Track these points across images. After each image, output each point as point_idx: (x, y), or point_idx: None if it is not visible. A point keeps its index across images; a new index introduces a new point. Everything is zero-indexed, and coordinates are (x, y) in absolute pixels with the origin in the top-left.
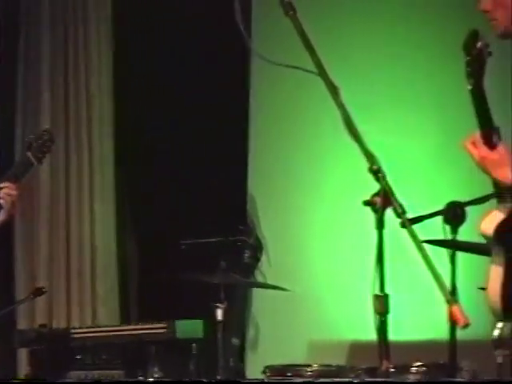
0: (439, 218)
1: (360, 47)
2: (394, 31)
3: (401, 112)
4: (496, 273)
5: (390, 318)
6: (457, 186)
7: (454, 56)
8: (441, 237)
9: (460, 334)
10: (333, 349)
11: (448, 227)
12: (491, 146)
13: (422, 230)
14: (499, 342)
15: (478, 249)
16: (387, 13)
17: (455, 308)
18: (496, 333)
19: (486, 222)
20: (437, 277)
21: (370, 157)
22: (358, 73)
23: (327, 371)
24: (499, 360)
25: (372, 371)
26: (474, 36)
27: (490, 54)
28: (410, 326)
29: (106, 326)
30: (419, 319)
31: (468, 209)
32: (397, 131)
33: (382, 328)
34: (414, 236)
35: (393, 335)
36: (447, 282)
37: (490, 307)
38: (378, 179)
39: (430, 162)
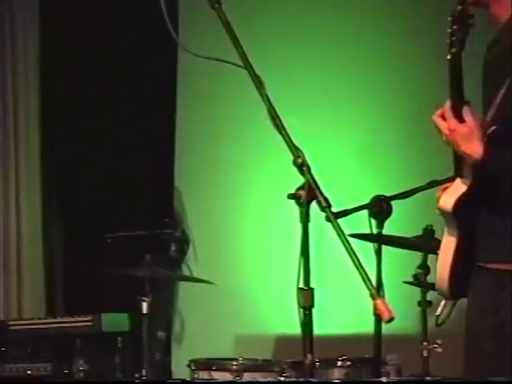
0: (365, 212)
1: (286, 44)
2: (320, 29)
3: (326, 106)
4: (448, 248)
5: (316, 311)
6: (383, 180)
7: (378, 54)
8: (366, 231)
9: (385, 327)
10: (259, 343)
11: (374, 221)
12: (461, 119)
13: (348, 224)
14: (440, 320)
15: (404, 243)
16: (313, 10)
17: (379, 302)
18: (439, 309)
19: (446, 195)
20: (361, 271)
21: (294, 150)
22: (284, 66)
23: (252, 365)
24: (424, 354)
25: (297, 365)
26: (462, 5)
27: (472, 25)
28: (335, 319)
29: (32, 319)
30: (345, 313)
31: (393, 203)
32: (322, 125)
33: (306, 322)
34: (338, 230)
35: (318, 329)
36: (373, 276)
37: (437, 281)
38: (302, 172)
39: (355, 155)
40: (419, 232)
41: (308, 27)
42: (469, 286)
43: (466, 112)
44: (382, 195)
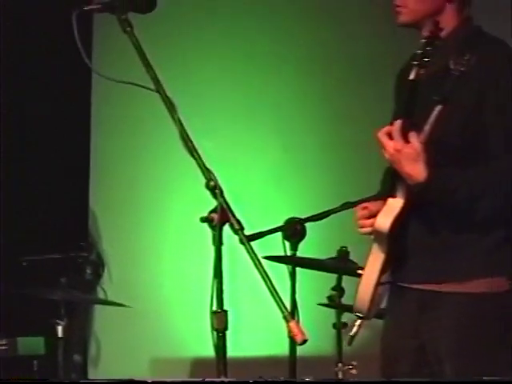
0: (279, 234)
1: (198, 67)
2: (230, 46)
3: (239, 128)
4: (374, 267)
5: (230, 333)
6: (296, 202)
7: (292, 72)
8: (281, 253)
9: (300, 349)
10: (175, 365)
11: (288, 243)
12: (406, 139)
13: (263, 246)
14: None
15: (318, 265)
16: (221, 27)
17: (292, 324)
18: (354, 329)
19: (382, 215)
20: (274, 293)
21: (206, 173)
22: (196, 89)
23: None
24: (339, 375)
25: None
26: (436, 28)
27: (436, 47)
28: (250, 341)
29: None
30: (260, 335)
31: (307, 225)
32: (236, 147)
33: (219, 344)
34: (251, 252)
35: (232, 351)
36: (287, 298)
37: (357, 300)
38: (214, 195)
39: (269, 177)
40: (333, 254)
41: (221, 51)
42: (388, 307)
43: (413, 134)
44: (296, 217)
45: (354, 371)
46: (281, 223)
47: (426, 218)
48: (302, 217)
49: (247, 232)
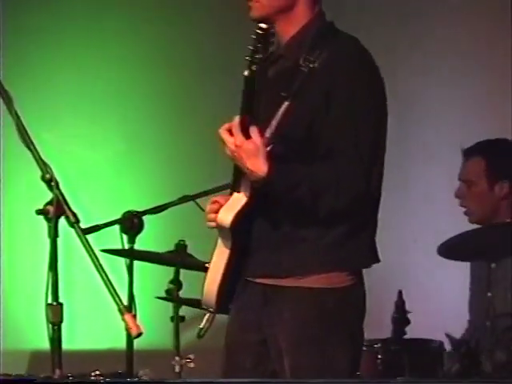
0: (117, 227)
1: (38, 54)
2: (73, 37)
3: (80, 120)
4: (220, 261)
5: (65, 326)
6: (138, 195)
7: (137, 64)
8: (118, 246)
9: (138, 342)
10: (13, 358)
11: (125, 236)
12: (247, 135)
13: (100, 239)
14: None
15: (156, 258)
16: (63, 18)
17: (127, 317)
18: (203, 323)
19: (224, 209)
20: (109, 286)
21: (42, 165)
22: (37, 80)
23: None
24: (177, 369)
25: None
26: (267, 24)
27: (273, 43)
28: (87, 334)
29: None
30: (97, 328)
31: (145, 218)
32: (75, 139)
33: (55, 337)
34: (87, 245)
35: (68, 344)
36: (125, 292)
37: (205, 294)
38: (50, 188)
39: (108, 170)
40: (171, 247)
41: (64, 42)
42: (234, 300)
43: (253, 129)
44: (134, 210)
45: (191, 365)
46: (118, 216)
47: (271, 213)
48: (140, 210)
49: (85, 225)
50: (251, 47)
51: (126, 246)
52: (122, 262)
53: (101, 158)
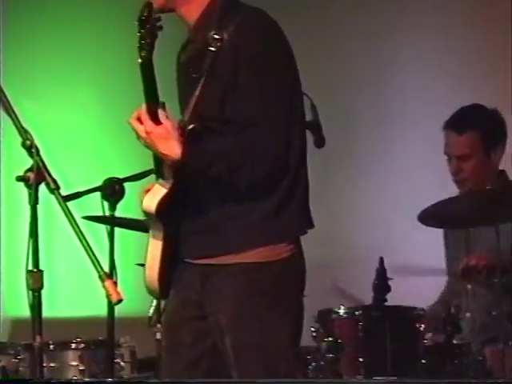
0: (98, 194)
1: (23, 23)
2: (59, 7)
3: (59, 87)
4: (155, 248)
5: (46, 293)
6: (119, 161)
7: (114, 35)
8: (100, 213)
9: (119, 310)
10: None
11: (106, 203)
12: (157, 121)
13: (81, 206)
14: (153, 320)
15: (137, 225)
16: None
17: (108, 284)
18: (151, 310)
19: (148, 197)
20: (90, 253)
21: (23, 132)
22: (16, 47)
23: None
24: (158, 336)
25: (30, 347)
26: (148, 9)
27: (160, 28)
28: (67, 302)
29: None
30: (77, 295)
31: (126, 185)
32: (55, 106)
33: (35, 304)
34: (67, 212)
35: (49, 311)
36: (106, 259)
37: (147, 283)
38: (30, 154)
39: (88, 137)
40: None
41: (41, 3)
42: (173, 282)
43: (162, 114)
44: (115, 177)
45: (158, 335)
46: (99, 183)
47: (200, 195)
48: (121, 177)
49: (65, 192)
50: (138, 33)
51: (107, 213)
52: (103, 229)
53: (80, 124)
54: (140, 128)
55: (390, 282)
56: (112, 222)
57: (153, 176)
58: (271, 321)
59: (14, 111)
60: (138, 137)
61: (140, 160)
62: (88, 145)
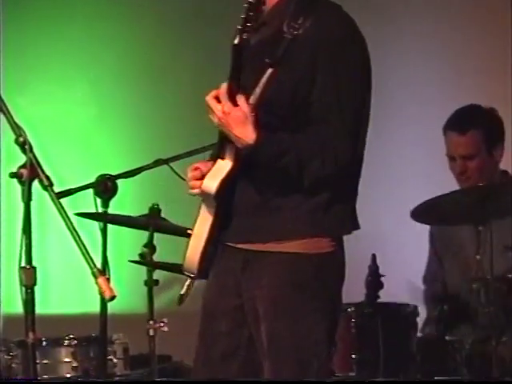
0: (90, 191)
1: (16, 20)
2: (52, 3)
3: (53, 84)
4: (203, 227)
5: (39, 290)
6: (112, 158)
7: (111, 25)
8: (92, 210)
9: (111, 306)
10: None
11: (99, 200)
12: (235, 103)
13: (74, 203)
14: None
15: (130, 222)
16: None
17: (101, 280)
18: (184, 289)
19: (208, 178)
20: (83, 249)
21: (16, 128)
22: (10, 43)
23: None
24: (151, 333)
25: (22, 344)
26: None
27: (264, 11)
28: (60, 298)
29: None
30: (70, 292)
31: (119, 181)
32: (48, 103)
33: (28, 300)
34: (60, 208)
35: (42, 308)
36: (99, 255)
37: (187, 261)
38: (24, 151)
39: (81, 134)
40: (145, 211)
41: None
42: (213, 265)
43: (240, 97)
44: (107, 174)
45: (165, 328)
46: (92, 180)
47: (254, 179)
48: (114, 173)
49: (59, 189)
50: (243, 15)
51: (100, 210)
52: (95, 225)
53: (73, 121)
54: (218, 107)
55: (382, 279)
56: (105, 218)
57: (143, 174)
58: (307, 314)
59: (6, 107)
60: (213, 115)
61: (133, 157)
62: (81, 142)
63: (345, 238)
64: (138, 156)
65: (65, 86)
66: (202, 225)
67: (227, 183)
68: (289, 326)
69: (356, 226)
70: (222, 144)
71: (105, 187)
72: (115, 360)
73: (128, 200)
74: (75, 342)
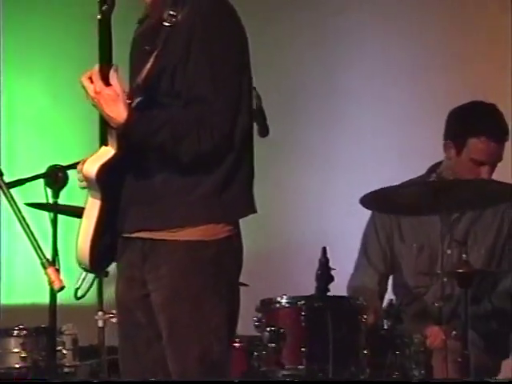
0: (41, 181)
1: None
2: None
3: (7, 75)
4: (91, 218)
5: None
6: (60, 149)
7: (67, 16)
8: (43, 200)
9: (61, 297)
10: None
11: (50, 190)
12: (107, 82)
13: (25, 193)
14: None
15: (80, 212)
16: None
17: (50, 271)
18: (79, 282)
19: (89, 162)
20: (32, 239)
21: None
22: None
23: None
24: (100, 324)
25: None
26: None
27: None
28: (10, 289)
29: None
30: (19, 282)
31: (70, 172)
32: (2, 94)
33: None
34: (10, 198)
35: None
36: (49, 246)
37: (78, 254)
38: None
39: (33, 124)
40: None
41: None
42: (115, 258)
43: (113, 76)
44: (58, 165)
45: (114, 320)
46: (43, 170)
47: (143, 166)
48: (64, 164)
49: (7, 179)
50: None
51: (51, 200)
52: (46, 216)
53: (26, 111)
54: (90, 87)
55: (333, 272)
56: (55, 209)
57: None
58: (205, 299)
59: None
60: (87, 96)
61: (84, 148)
62: (32, 133)
63: (296, 231)
64: (89, 147)
65: (19, 76)
66: (89, 214)
67: (110, 168)
68: (189, 312)
69: (252, 210)
70: (104, 130)
71: (55, 178)
72: (64, 351)
73: (78, 191)
74: (24, 332)
